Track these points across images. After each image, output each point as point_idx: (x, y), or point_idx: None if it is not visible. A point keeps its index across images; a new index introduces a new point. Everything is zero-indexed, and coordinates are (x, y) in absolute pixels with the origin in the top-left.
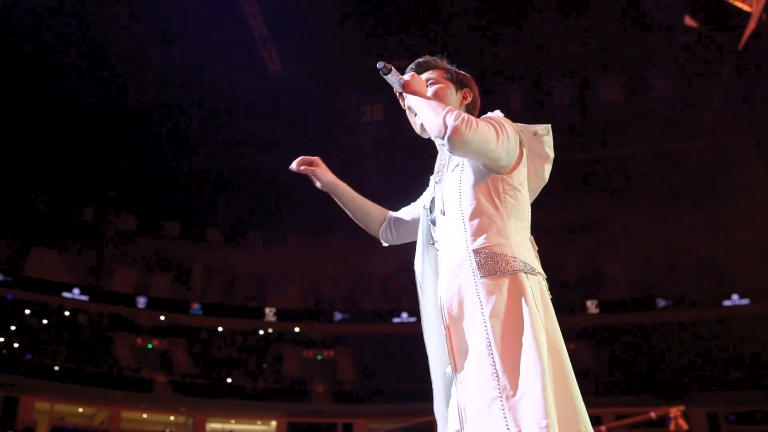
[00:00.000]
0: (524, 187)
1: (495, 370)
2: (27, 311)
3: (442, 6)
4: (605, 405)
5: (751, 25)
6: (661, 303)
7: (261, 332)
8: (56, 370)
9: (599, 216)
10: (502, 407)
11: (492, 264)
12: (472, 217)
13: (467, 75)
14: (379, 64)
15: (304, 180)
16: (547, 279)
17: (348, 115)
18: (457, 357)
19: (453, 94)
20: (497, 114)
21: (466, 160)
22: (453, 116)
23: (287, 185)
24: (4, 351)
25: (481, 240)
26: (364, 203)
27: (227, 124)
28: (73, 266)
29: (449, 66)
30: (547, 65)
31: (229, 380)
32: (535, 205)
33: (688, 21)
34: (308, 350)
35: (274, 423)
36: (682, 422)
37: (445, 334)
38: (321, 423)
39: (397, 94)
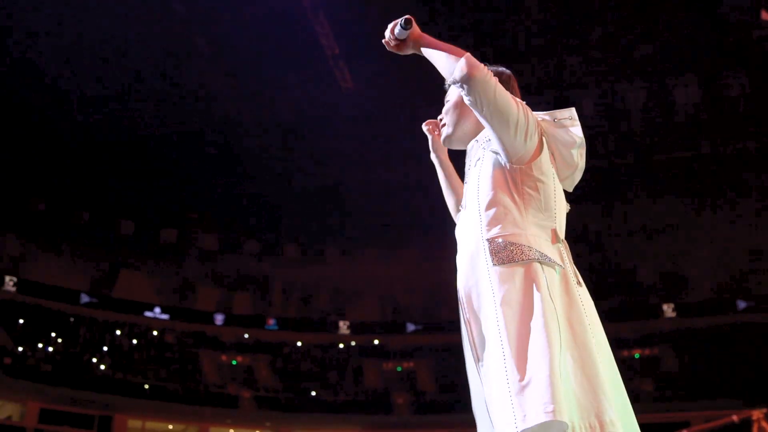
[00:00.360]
0: (549, 177)
1: (504, 358)
2: (117, 332)
3: (513, 18)
4: (690, 409)
5: None
6: (742, 305)
7: (341, 345)
8: (146, 389)
9: (677, 218)
10: (509, 393)
11: (506, 253)
12: (488, 208)
13: (509, 74)
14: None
15: (377, 194)
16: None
17: (419, 128)
18: (478, 349)
19: None
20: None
21: (486, 153)
22: (475, 61)
23: (362, 200)
24: (98, 371)
25: (495, 230)
26: (457, 185)
27: (302, 143)
28: (159, 286)
29: (493, 68)
30: (619, 68)
31: (312, 393)
32: (610, 209)
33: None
34: (388, 362)
35: None
36: (765, 425)
37: (465, 328)
38: None
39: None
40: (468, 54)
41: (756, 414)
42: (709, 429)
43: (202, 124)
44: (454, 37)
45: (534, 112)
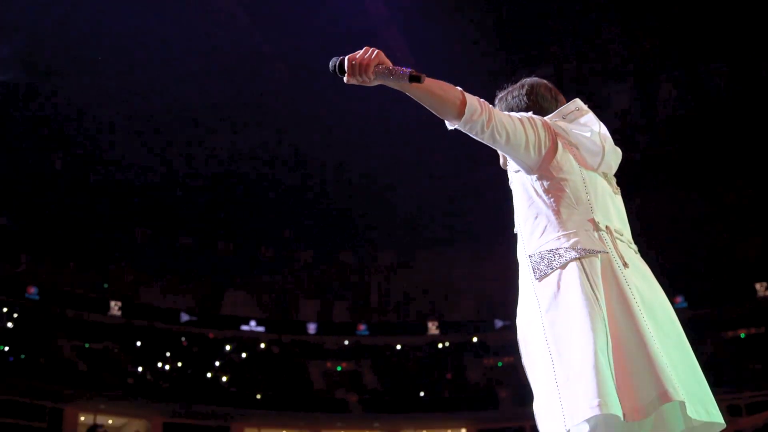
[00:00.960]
0: (572, 173)
1: (552, 363)
2: (227, 347)
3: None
4: None
5: None
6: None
7: (439, 345)
8: (259, 399)
9: None
10: (558, 394)
11: (543, 263)
12: (524, 226)
13: (529, 83)
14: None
15: (468, 196)
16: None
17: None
18: (529, 368)
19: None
20: (528, 114)
21: (511, 175)
22: (470, 104)
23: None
24: (214, 384)
25: (533, 245)
26: None
27: (391, 154)
28: (262, 302)
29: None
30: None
31: (421, 393)
32: (706, 192)
33: None
34: (488, 358)
35: (463, 431)
36: None
37: (521, 349)
38: (508, 428)
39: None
40: (463, 98)
41: None
42: None
43: (291, 150)
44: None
45: (543, 118)
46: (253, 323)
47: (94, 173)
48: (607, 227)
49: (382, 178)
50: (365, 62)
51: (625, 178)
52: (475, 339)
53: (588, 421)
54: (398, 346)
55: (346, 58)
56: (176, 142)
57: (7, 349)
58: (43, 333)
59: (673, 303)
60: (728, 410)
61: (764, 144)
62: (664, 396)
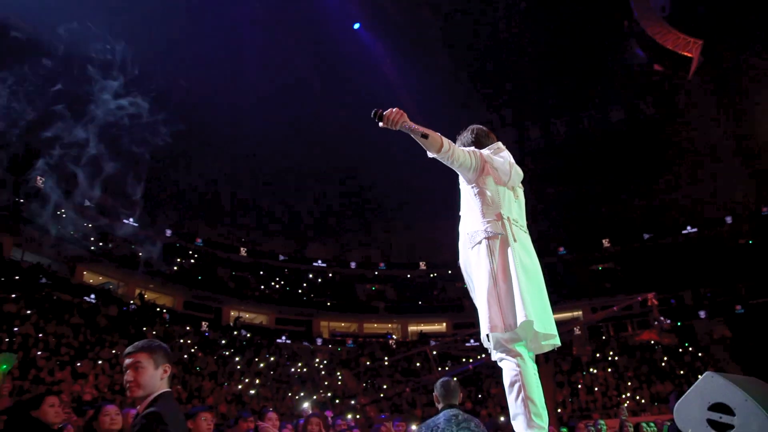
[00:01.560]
0: (491, 186)
1: (475, 297)
2: (309, 275)
3: None
4: None
5: None
6: None
7: (430, 275)
8: (328, 305)
9: None
10: (479, 316)
11: (472, 239)
12: (463, 213)
13: (475, 128)
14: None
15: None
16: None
17: None
18: (472, 296)
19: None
20: (471, 148)
21: (461, 183)
22: (440, 144)
23: None
24: (303, 296)
25: (468, 225)
26: None
27: None
28: (328, 249)
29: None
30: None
31: (419, 302)
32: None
33: None
34: (460, 283)
35: (444, 324)
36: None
37: (468, 285)
38: (471, 322)
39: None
40: (438, 137)
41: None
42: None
43: None
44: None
45: (479, 150)
46: (320, 261)
47: None
48: (507, 218)
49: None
50: (395, 118)
51: (525, 185)
52: (450, 272)
53: (486, 332)
54: (408, 275)
55: (384, 112)
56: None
57: (192, 276)
58: (208, 266)
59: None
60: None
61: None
62: (521, 317)
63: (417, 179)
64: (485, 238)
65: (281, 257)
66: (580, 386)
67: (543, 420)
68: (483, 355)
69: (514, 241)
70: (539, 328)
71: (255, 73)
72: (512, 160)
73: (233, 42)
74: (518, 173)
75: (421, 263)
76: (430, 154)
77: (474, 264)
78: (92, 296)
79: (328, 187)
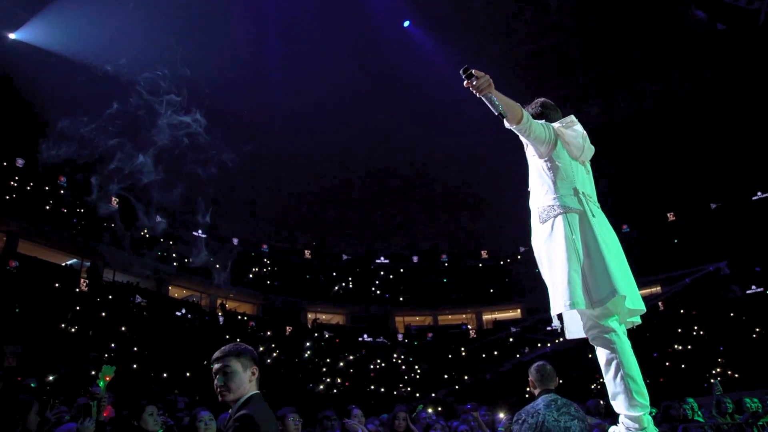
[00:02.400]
0: (564, 159)
1: (549, 275)
2: (381, 272)
3: None
4: None
5: None
6: None
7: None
8: (401, 300)
9: None
10: (552, 294)
11: (545, 214)
12: (534, 188)
13: (542, 102)
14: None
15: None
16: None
17: None
18: (543, 275)
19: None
20: (542, 121)
21: (529, 157)
22: (520, 115)
23: None
24: (375, 294)
25: (539, 200)
26: None
27: None
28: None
29: (536, 104)
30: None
31: (491, 290)
32: None
33: None
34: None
35: (518, 310)
36: None
37: (538, 263)
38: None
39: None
40: (518, 109)
41: None
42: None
43: None
44: None
45: (552, 124)
46: (382, 258)
47: None
48: (582, 193)
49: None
50: (483, 85)
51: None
52: (519, 257)
53: (565, 309)
54: (479, 264)
55: (475, 74)
56: None
57: (268, 282)
58: (281, 270)
59: (620, 229)
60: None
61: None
62: (614, 292)
63: (473, 170)
64: (562, 212)
65: (344, 257)
66: (668, 363)
67: (645, 398)
68: (561, 339)
69: (593, 216)
70: (630, 304)
71: (311, 81)
72: (585, 134)
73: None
74: (591, 148)
75: (482, 252)
76: (507, 125)
77: (548, 240)
78: (183, 310)
79: (374, 184)
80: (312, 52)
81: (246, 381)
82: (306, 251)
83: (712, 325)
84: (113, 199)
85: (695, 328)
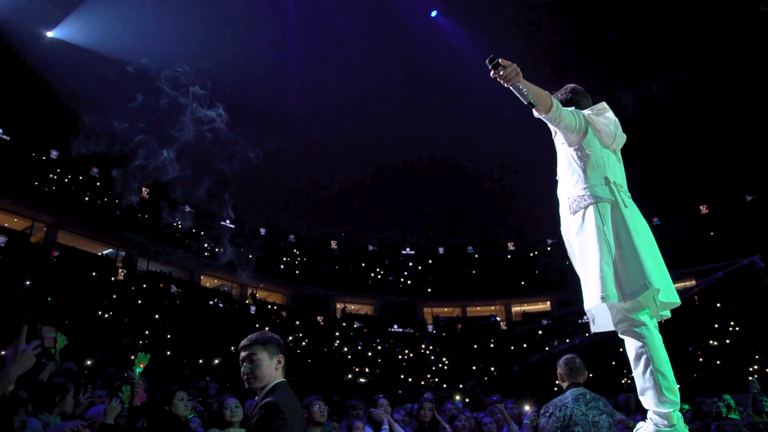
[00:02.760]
0: (595, 147)
1: (581, 267)
2: (410, 263)
3: None
4: None
5: None
6: None
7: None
8: (429, 291)
9: None
10: (584, 287)
11: (575, 204)
12: (563, 177)
13: (572, 88)
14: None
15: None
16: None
17: None
18: (575, 266)
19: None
20: (572, 108)
21: (558, 145)
22: (549, 103)
23: None
24: (403, 284)
25: (569, 190)
26: None
27: None
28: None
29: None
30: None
31: (522, 282)
32: None
33: None
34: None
35: (548, 303)
36: None
37: (569, 254)
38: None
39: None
40: (547, 97)
41: None
42: None
43: None
44: None
45: (583, 111)
46: (410, 249)
47: None
48: (614, 182)
49: None
50: (510, 75)
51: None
52: (548, 249)
53: (597, 303)
54: (507, 255)
55: (502, 64)
56: None
57: (297, 272)
58: (310, 261)
59: (651, 221)
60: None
61: None
62: (647, 284)
63: (501, 160)
64: (593, 203)
65: (371, 248)
66: (702, 359)
67: (675, 394)
68: (591, 332)
69: (625, 206)
70: (663, 297)
71: (337, 72)
72: (617, 122)
73: (312, 43)
74: (623, 136)
75: (509, 243)
76: (536, 114)
77: (579, 231)
78: (215, 299)
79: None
80: (337, 42)
81: (272, 369)
82: (333, 242)
83: (748, 320)
84: (144, 190)
85: (731, 323)
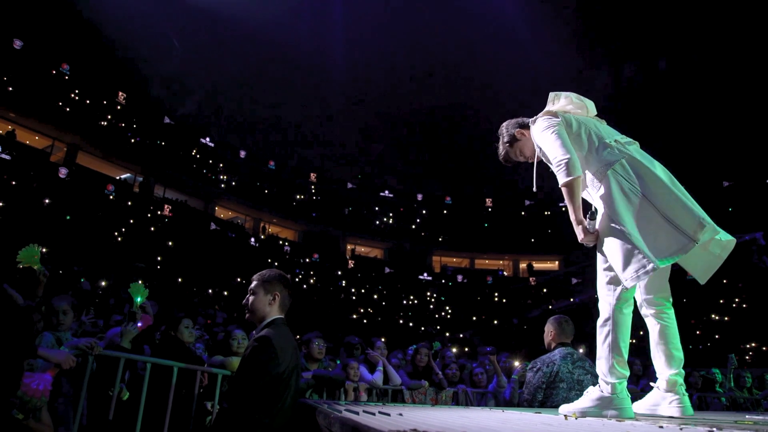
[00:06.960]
0: (586, 131)
1: (599, 237)
2: (423, 211)
3: None
4: None
5: None
6: None
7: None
8: (440, 240)
9: None
10: (614, 263)
11: (597, 177)
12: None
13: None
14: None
15: None
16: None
17: None
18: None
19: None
20: (542, 125)
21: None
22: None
23: None
24: (417, 232)
25: (589, 167)
26: None
27: None
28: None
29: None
30: None
31: (532, 240)
32: None
33: None
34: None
35: (555, 264)
36: None
37: None
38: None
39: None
40: (578, 201)
41: None
42: None
43: None
44: None
45: (555, 108)
46: (419, 196)
47: None
48: (616, 141)
49: None
50: (588, 242)
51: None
52: (563, 208)
53: (650, 269)
54: (522, 212)
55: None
56: None
57: (310, 210)
58: (325, 201)
59: None
60: None
61: None
62: (701, 223)
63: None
64: (607, 171)
65: (387, 192)
66: (699, 332)
67: (625, 369)
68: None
69: (639, 154)
70: (723, 236)
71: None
72: (576, 95)
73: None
74: (591, 101)
75: (525, 201)
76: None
77: (607, 204)
78: (228, 231)
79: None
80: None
81: (265, 304)
82: (349, 183)
83: (748, 296)
84: (165, 118)
85: (735, 300)
